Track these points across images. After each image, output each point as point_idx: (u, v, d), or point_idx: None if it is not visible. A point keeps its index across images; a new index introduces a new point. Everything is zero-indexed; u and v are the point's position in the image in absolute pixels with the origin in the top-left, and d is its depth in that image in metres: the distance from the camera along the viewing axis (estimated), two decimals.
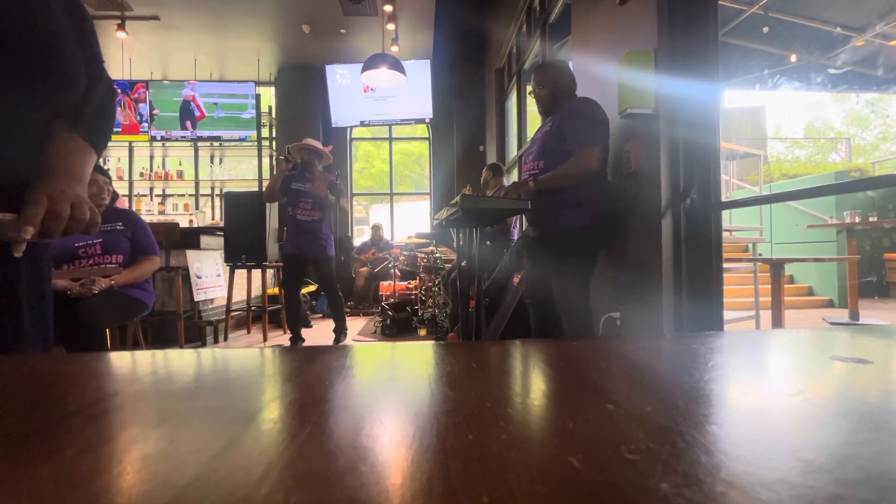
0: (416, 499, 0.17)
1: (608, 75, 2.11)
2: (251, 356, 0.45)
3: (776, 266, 2.88)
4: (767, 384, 0.34)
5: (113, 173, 5.78)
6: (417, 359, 0.44)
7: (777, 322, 2.80)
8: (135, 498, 0.18)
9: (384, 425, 0.26)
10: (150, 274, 2.22)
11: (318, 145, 3.26)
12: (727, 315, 2.02)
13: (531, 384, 0.36)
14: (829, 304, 4.79)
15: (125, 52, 5.47)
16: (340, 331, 3.39)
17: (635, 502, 0.17)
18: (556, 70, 2.06)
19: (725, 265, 1.81)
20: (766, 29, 4.64)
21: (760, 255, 4.81)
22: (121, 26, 4.51)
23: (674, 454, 0.21)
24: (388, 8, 4.51)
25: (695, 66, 1.73)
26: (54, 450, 0.22)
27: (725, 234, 4.99)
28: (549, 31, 3.61)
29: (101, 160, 4.75)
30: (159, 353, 0.47)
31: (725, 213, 5.10)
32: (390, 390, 0.34)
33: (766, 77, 5.20)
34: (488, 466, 0.20)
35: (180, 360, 0.44)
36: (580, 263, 1.93)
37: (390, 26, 4.79)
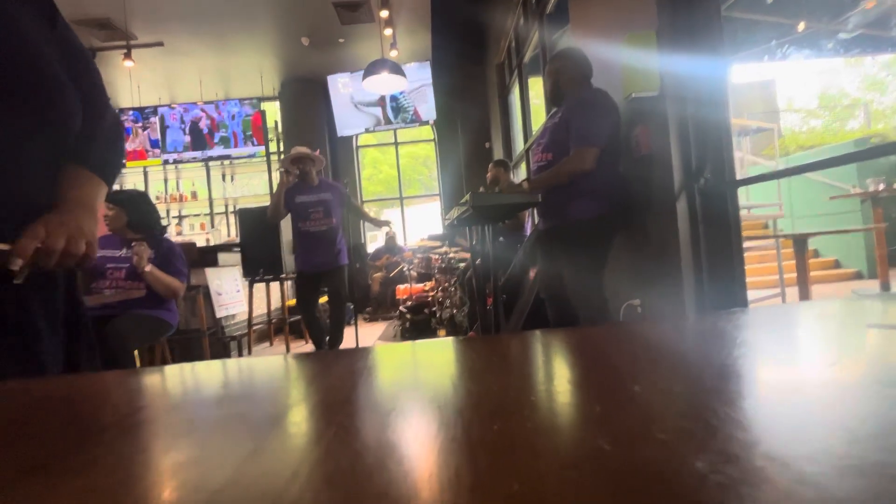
0: (445, 492, 0.17)
1: (610, 61, 2.08)
2: (273, 364, 0.46)
3: (799, 241, 2.80)
4: (801, 356, 0.33)
5: None
6: (438, 355, 0.44)
7: (804, 298, 2.73)
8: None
9: (409, 421, 0.26)
10: (171, 294, 2.25)
11: (307, 150, 3.10)
12: (751, 294, 1.97)
13: (554, 372, 0.35)
14: (858, 277, 4.64)
15: (133, 81, 5.61)
16: (335, 343, 3.12)
17: (670, 482, 0.16)
18: (564, 60, 2.03)
19: (745, 244, 1.77)
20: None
21: (781, 231, 4.69)
22: (127, 55, 4.62)
23: (708, 432, 0.20)
24: (384, 13, 4.53)
25: (699, 43, 1.70)
26: (90, 462, 0.23)
27: (743, 213, 4.88)
28: (547, 21, 3.58)
29: (119, 186, 4.83)
30: (186, 367, 0.48)
31: (742, 191, 4.99)
32: (412, 387, 0.34)
33: (774, 48, 5.07)
34: (516, 455, 0.19)
35: (206, 372, 0.45)
36: (593, 254, 1.90)
37: (388, 31, 4.81)
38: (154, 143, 5.98)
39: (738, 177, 1.76)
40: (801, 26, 4.84)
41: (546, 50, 3.58)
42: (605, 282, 1.93)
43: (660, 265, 1.86)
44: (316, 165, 3.09)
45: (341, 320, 3.13)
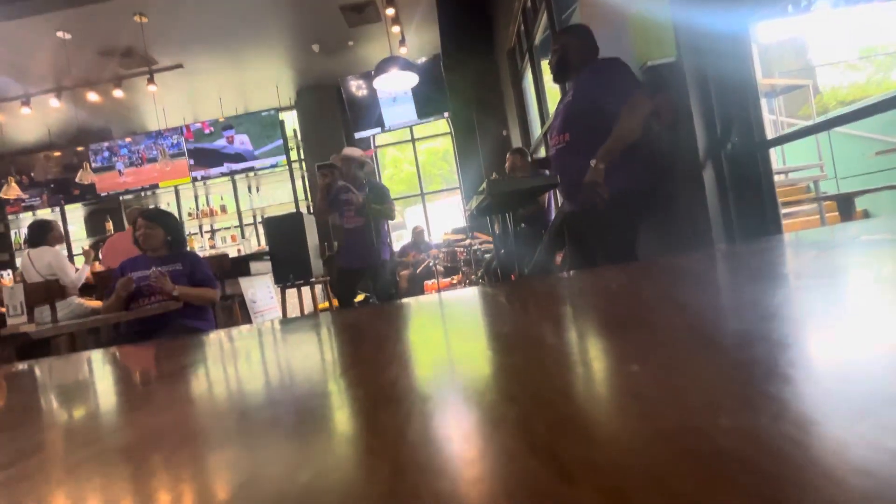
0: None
1: (622, 32, 2.00)
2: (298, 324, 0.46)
3: (845, 201, 2.63)
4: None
5: None
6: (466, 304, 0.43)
7: None
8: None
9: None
10: (209, 302, 2.35)
11: (355, 153, 3.20)
12: None
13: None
14: None
15: (157, 104, 5.84)
16: None
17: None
18: (567, 35, 1.97)
19: (785, 210, 1.67)
20: None
21: (825, 193, 4.41)
22: (150, 80, 4.82)
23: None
24: (390, 11, 4.53)
25: (715, 1, 1.61)
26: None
27: (780, 177, 4.62)
28: (555, 0, 3.48)
29: (151, 205, 5.05)
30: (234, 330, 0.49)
31: (777, 154, 4.72)
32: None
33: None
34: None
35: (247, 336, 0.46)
36: (623, 232, 1.83)
37: (395, 29, 4.80)
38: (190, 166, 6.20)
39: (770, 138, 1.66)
40: None
41: (556, 29, 3.49)
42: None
43: (690, 239, 1.79)
44: (365, 168, 3.17)
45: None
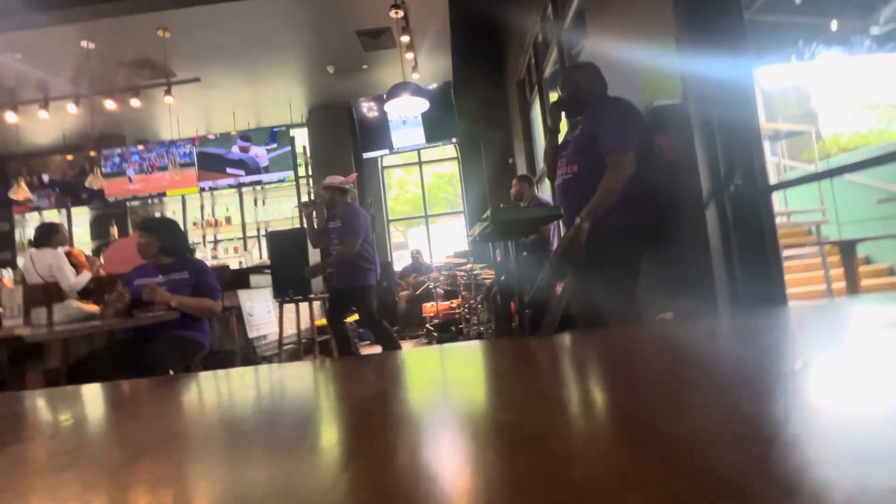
0: None
1: (630, 71, 2.06)
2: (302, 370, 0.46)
3: (846, 247, 2.64)
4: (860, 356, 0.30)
5: None
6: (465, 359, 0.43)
7: None
8: None
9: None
10: (208, 313, 2.34)
11: (336, 180, 3.26)
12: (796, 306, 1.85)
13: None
14: None
15: (172, 115, 5.96)
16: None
17: None
18: (577, 72, 2.03)
19: (786, 252, 1.68)
20: (798, 0, 4.39)
21: (827, 237, 4.43)
22: (167, 91, 4.93)
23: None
24: (405, 39, 4.66)
25: (721, 48, 1.66)
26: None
27: (783, 219, 4.64)
28: (566, 36, 3.59)
29: (160, 213, 5.11)
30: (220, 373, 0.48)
31: (780, 197, 4.76)
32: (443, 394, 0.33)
33: (802, 48, 4.90)
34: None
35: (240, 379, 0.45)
36: (623, 265, 1.84)
37: (409, 55, 4.94)
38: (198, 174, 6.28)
39: (773, 182, 1.68)
40: (834, 25, 4.66)
41: (566, 64, 3.58)
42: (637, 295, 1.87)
43: (691, 276, 1.79)
44: (349, 194, 3.27)
45: (385, 338, 3.15)
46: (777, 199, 4.66)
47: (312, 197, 3.30)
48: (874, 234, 4.37)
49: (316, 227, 3.31)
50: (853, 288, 2.61)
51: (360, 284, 3.14)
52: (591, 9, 2.71)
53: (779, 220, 1.65)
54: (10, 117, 5.16)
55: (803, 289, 4.09)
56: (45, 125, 5.73)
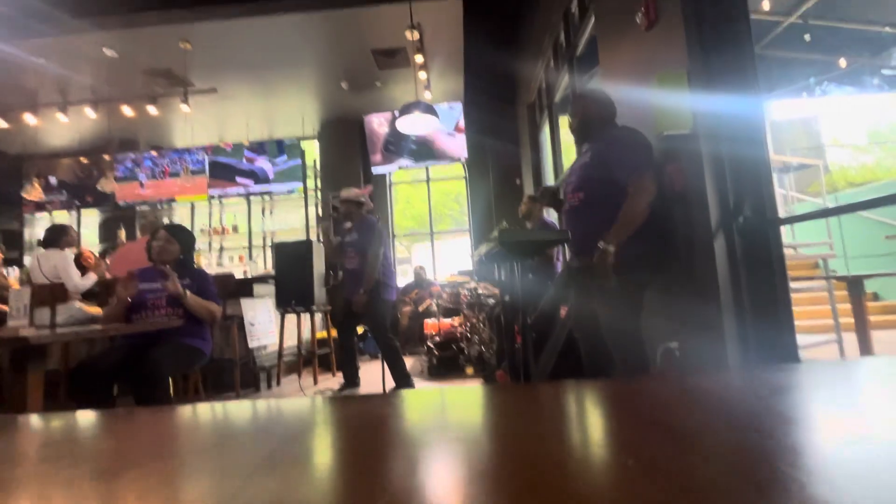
0: None
1: (640, 100, 2.08)
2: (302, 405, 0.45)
3: (854, 283, 2.61)
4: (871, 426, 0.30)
5: None
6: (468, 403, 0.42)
7: (865, 347, 2.51)
8: None
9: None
10: (212, 317, 2.33)
11: (352, 192, 3.28)
12: (803, 339, 1.83)
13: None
14: None
15: (187, 123, 6.07)
16: (400, 379, 3.09)
17: None
18: (587, 99, 2.06)
19: (794, 285, 1.67)
20: (807, 37, 4.47)
21: (834, 272, 4.40)
22: (184, 100, 5.03)
23: None
24: (419, 59, 4.76)
25: (732, 81, 1.68)
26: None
27: (790, 252, 4.63)
28: (577, 64, 3.65)
29: (168, 219, 5.17)
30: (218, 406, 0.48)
31: (787, 229, 4.75)
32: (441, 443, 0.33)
33: (813, 85, 4.96)
34: None
35: (238, 411, 0.45)
36: (629, 293, 1.83)
37: (422, 75, 5.03)
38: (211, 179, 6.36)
39: (782, 215, 1.68)
40: (843, 63, 4.73)
41: (576, 91, 3.64)
42: (642, 323, 1.85)
43: (698, 307, 1.77)
44: (364, 207, 3.26)
45: (391, 356, 3.10)
46: (784, 231, 4.65)
47: (320, 210, 3.30)
48: (882, 271, 4.34)
49: (332, 240, 3.34)
50: (861, 324, 2.58)
51: (376, 299, 3.09)
52: (603, 37, 2.76)
53: (786, 253, 1.65)
54: (30, 119, 5.28)
55: (810, 322, 4.05)
56: (62, 128, 5.84)
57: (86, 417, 0.47)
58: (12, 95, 5.15)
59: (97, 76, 4.93)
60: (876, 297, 4.74)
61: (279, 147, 6.31)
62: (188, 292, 2.22)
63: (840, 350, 2.85)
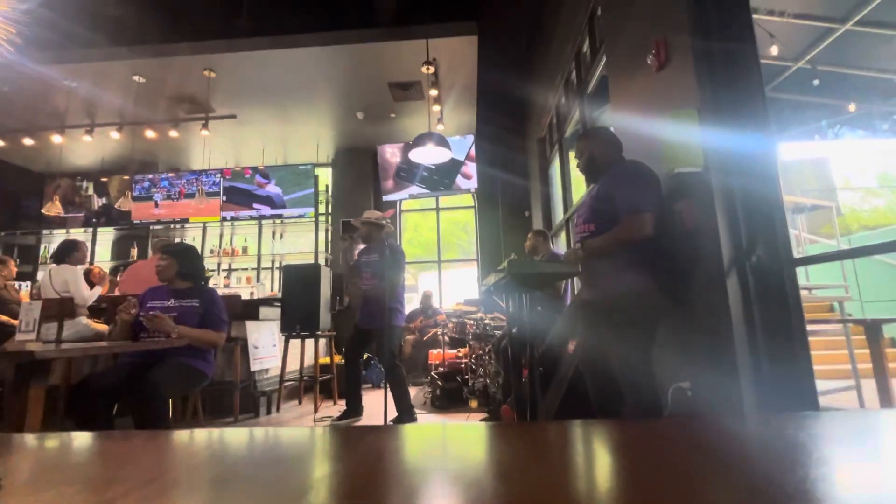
0: None
1: (651, 138, 2.11)
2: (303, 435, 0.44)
3: (872, 327, 2.54)
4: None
5: None
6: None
7: (885, 394, 2.42)
8: None
9: None
10: (211, 346, 2.32)
11: (374, 215, 3.33)
12: (820, 385, 1.76)
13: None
14: None
15: (205, 146, 6.25)
16: (403, 412, 3.05)
17: None
18: (591, 140, 2.08)
19: (809, 327, 1.62)
20: (816, 82, 4.54)
21: (850, 315, 4.29)
22: (204, 125, 5.20)
23: None
24: (433, 92, 4.91)
25: (743, 121, 1.70)
26: None
27: (804, 293, 4.54)
28: (588, 101, 3.73)
29: (177, 238, 5.24)
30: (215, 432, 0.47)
31: (801, 270, 4.68)
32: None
33: (825, 128, 5.00)
34: None
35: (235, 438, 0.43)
36: (639, 330, 1.80)
37: (436, 108, 5.17)
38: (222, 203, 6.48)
39: (795, 255, 1.65)
40: (852, 107, 4.78)
41: (582, 131, 3.70)
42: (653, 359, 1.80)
43: (711, 345, 1.73)
44: (385, 230, 3.31)
45: (397, 384, 3.05)
46: (798, 272, 4.59)
47: (340, 233, 3.40)
48: None
49: (349, 260, 3.38)
50: (880, 370, 2.49)
51: (391, 324, 3.08)
52: (614, 75, 2.83)
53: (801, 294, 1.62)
54: (56, 138, 5.47)
55: (827, 366, 3.92)
56: (86, 146, 6.05)
57: (81, 440, 0.46)
58: (42, 116, 5.37)
59: (125, 100, 5.13)
60: (894, 342, 4.60)
61: (293, 177, 6.45)
62: (178, 329, 2.17)
63: (859, 397, 2.75)
